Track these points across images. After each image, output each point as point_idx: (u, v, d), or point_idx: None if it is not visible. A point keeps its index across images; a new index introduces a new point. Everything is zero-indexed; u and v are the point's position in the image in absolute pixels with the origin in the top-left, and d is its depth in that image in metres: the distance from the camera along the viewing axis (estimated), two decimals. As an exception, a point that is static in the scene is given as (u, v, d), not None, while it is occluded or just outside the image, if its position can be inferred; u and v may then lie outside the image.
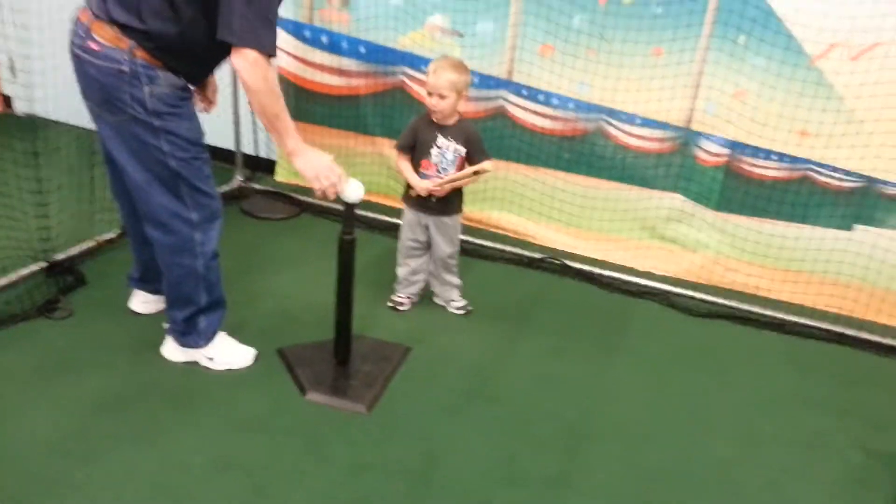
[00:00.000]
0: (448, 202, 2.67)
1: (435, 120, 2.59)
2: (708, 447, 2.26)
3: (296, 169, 2.11)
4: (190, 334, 2.33)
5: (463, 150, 2.60)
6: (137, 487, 1.87)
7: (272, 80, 2.02)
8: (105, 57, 1.95)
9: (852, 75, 2.84)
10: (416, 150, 2.64)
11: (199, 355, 2.37)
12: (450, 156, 2.60)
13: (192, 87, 2.15)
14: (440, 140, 2.59)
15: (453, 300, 2.86)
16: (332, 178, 2.10)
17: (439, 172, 2.63)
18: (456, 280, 2.85)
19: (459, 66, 2.53)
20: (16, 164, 2.83)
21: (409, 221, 2.75)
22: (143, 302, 2.62)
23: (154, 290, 2.56)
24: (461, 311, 2.85)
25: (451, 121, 2.60)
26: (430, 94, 2.53)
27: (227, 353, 2.38)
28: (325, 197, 2.14)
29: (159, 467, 1.95)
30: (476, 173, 2.59)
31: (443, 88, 2.49)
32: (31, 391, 2.18)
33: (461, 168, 2.64)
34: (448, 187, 2.61)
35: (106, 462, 1.94)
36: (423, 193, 2.62)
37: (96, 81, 1.99)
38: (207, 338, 2.35)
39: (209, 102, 2.43)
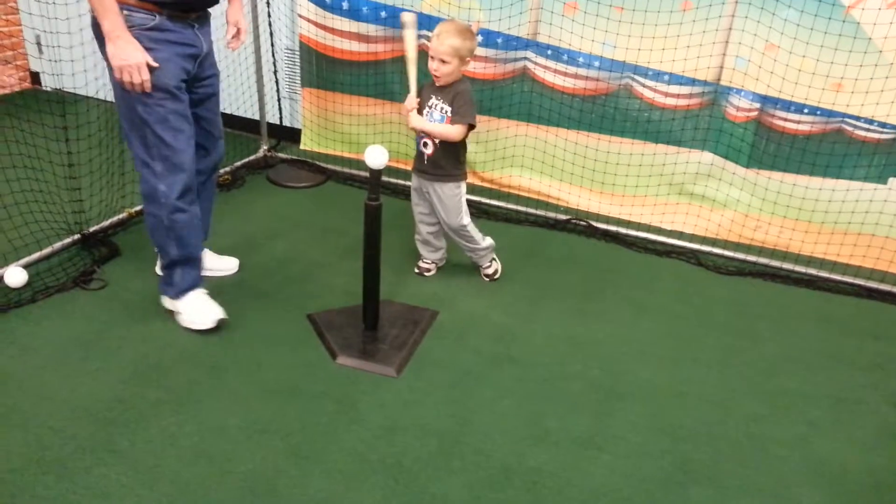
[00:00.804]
0: (438, 167, 2.64)
1: (436, 83, 2.58)
2: (737, 405, 2.26)
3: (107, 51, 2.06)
4: (167, 283, 2.43)
5: (449, 110, 2.57)
6: (178, 452, 1.94)
7: None
8: None
9: (891, 25, 2.74)
10: (419, 111, 2.64)
11: (176, 307, 2.44)
12: (437, 115, 2.59)
13: (168, 28, 2.12)
14: (433, 100, 2.59)
15: (480, 266, 2.87)
16: (135, 79, 2.06)
17: (423, 146, 2.64)
18: (478, 247, 2.79)
19: (464, 32, 2.48)
20: (46, 139, 2.88)
21: (414, 187, 2.77)
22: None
23: None
24: (487, 279, 2.86)
25: (448, 81, 2.56)
26: (432, 57, 2.51)
27: (191, 311, 2.42)
28: (131, 88, 2.09)
29: (198, 432, 2.01)
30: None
31: (444, 54, 2.47)
32: (70, 361, 2.26)
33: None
34: (421, 128, 2.58)
35: (147, 428, 2.01)
36: (409, 124, 2.61)
37: (94, 24, 2.06)
38: (179, 291, 2.42)
39: (235, 38, 2.46)
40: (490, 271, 2.86)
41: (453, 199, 2.68)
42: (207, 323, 2.40)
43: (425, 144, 2.62)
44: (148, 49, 2.07)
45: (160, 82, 2.12)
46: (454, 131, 2.54)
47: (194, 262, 2.43)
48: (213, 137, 2.49)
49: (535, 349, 2.47)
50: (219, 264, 2.75)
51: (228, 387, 2.19)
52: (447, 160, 2.63)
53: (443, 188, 2.66)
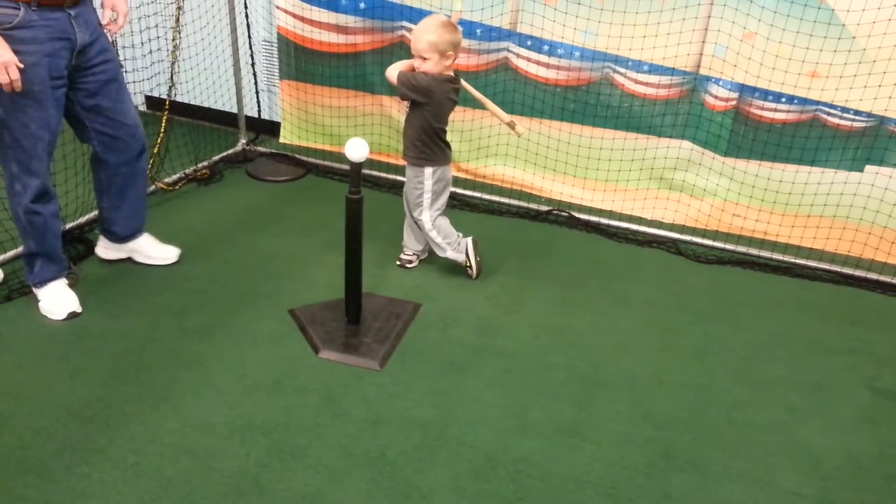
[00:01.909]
0: (405, 144, 2.65)
1: None
2: (718, 392, 2.28)
3: None
4: (28, 271, 2.43)
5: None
6: (160, 449, 1.92)
7: None
8: None
9: (864, 13, 2.77)
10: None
11: (36, 294, 2.45)
12: (406, 102, 2.61)
13: (35, 24, 2.05)
14: None
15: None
16: (2, 78, 2.00)
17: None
18: (441, 253, 2.74)
19: (442, 26, 2.45)
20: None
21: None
22: (104, 248, 2.73)
23: (112, 238, 2.68)
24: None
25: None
26: (413, 55, 2.51)
27: (49, 301, 2.42)
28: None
29: (180, 429, 1.99)
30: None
31: (423, 51, 2.46)
32: (48, 359, 2.23)
33: (407, 115, 2.61)
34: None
35: (128, 426, 1.99)
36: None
37: None
38: (39, 281, 2.42)
39: (113, 22, 2.37)
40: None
41: (410, 184, 2.68)
42: (61, 314, 2.40)
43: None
44: (13, 51, 1.99)
45: (24, 87, 2.05)
46: (390, 68, 2.56)
47: (54, 256, 2.42)
48: (125, 126, 2.44)
49: (518, 340, 2.47)
50: (158, 252, 2.73)
51: (211, 383, 2.17)
52: (407, 136, 2.63)
53: (407, 168, 2.68)
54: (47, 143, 2.23)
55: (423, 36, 2.45)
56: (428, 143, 2.60)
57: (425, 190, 2.66)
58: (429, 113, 2.55)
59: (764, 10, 2.91)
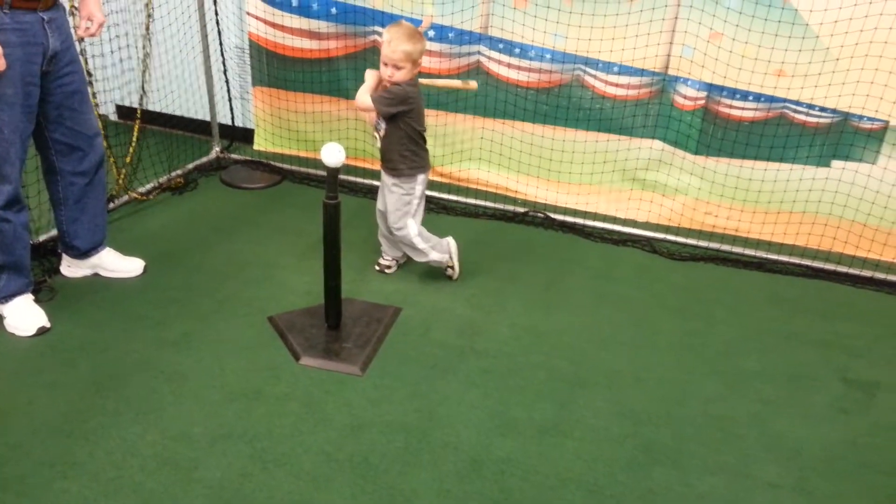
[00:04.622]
0: (386, 158, 2.63)
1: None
2: (695, 387, 2.32)
3: None
4: None
5: None
6: (141, 461, 1.90)
7: None
8: None
9: (826, 12, 2.84)
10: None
11: (1, 311, 2.40)
12: (382, 123, 2.59)
13: (7, 27, 2.03)
14: None
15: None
16: None
17: (375, 131, 2.63)
18: (425, 259, 2.74)
19: (414, 35, 2.47)
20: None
21: (381, 182, 2.76)
22: (67, 266, 2.69)
23: (73, 254, 2.64)
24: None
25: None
26: (385, 64, 2.48)
27: (15, 317, 2.37)
28: None
29: (160, 441, 1.97)
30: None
31: (399, 60, 2.45)
32: (24, 373, 2.19)
33: (387, 131, 2.58)
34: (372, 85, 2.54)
35: (107, 439, 1.97)
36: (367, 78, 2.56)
37: None
38: (4, 296, 2.37)
39: (87, 19, 2.36)
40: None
41: (394, 195, 2.65)
42: (30, 330, 2.35)
43: (377, 128, 2.62)
44: None
45: None
46: (358, 96, 2.54)
47: (21, 269, 2.38)
48: (85, 137, 2.43)
49: (498, 341, 2.49)
50: (122, 265, 2.71)
51: (190, 393, 2.16)
52: (391, 151, 2.62)
53: (388, 180, 2.67)
54: (19, 149, 2.20)
55: (399, 46, 2.44)
56: (416, 150, 2.62)
57: (415, 196, 2.66)
58: (412, 119, 2.56)
59: (729, 10, 2.97)
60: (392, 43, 2.45)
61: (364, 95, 2.53)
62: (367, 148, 3.70)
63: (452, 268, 2.79)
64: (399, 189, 2.65)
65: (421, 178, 2.66)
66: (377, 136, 2.63)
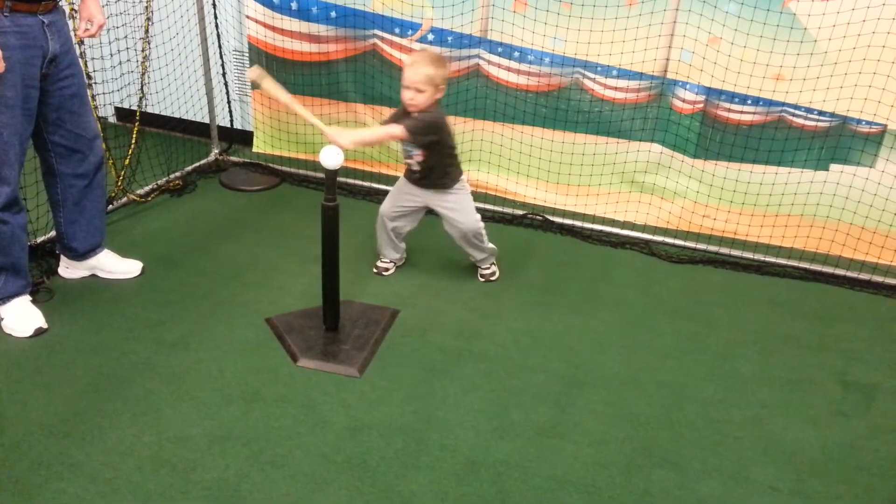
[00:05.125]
0: (437, 175, 2.63)
1: (409, 112, 2.53)
2: (694, 389, 2.32)
3: None
4: None
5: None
6: (138, 463, 1.90)
7: None
8: None
9: (824, 17, 2.85)
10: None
11: None
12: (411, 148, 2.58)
13: (7, 29, 2.04)
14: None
15: (479, 266, 2.87)
16: None
17: (408, 157, 2.62)
18: (484, 253, 2.81)
19: (437, 60, 2.48)
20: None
21: (398, 186, 2.75)
22: (65, 267, 2.69)
23: (72, 256, 2.64)
24: (482, 279, 2.86)
25: (420, 110, 2.51)
26: (406, 87, 2.47)
27: (13, 318, 2.37)
28: None
29: (157, 442, 1.97)
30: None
31: (419, 83, 2.44)
32: (21, 374, 2.19)
33: (425, 155, 2.57)
34: (353, 140, 2.40)
35: (104, 440, 1.96)
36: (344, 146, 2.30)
37: None
38: (1, 297, 2.37)
39: (87, 21, 2.37)
40: (488, 272, 2.86)
41: (462, 200, 2.69)
42: (27, 331, 2.35)
43: (409, 156, 2.61)
44: None
45: None
46: (381, 132, 2.56)
47: (19, 270, 2.38)
48: (85, 139, 2.44)
49: (496, 343, 2.49)
50: (120, 267, 2.71)
51: (188, 395, 2.15)
52: (433, 174, 2.62)
53: (447, 195, 2.67)
54: (18, 151, 2.20)
55: (420, 69, 2.43)
56: (453, 162, 2.67)
57: (470, 197, 2.72)
58: (446, 137, 2.57)
59: (728, 15, 2.98)
60: (414, 65, 2.44)
61: (392, 128, 2.49)
62: (365, 151, 3.71)
63: (494, 263, 2.86)
64: (456, 194, 2.68)
65: (464, 177, 2.72)
66: (410, 162, 2.63)
